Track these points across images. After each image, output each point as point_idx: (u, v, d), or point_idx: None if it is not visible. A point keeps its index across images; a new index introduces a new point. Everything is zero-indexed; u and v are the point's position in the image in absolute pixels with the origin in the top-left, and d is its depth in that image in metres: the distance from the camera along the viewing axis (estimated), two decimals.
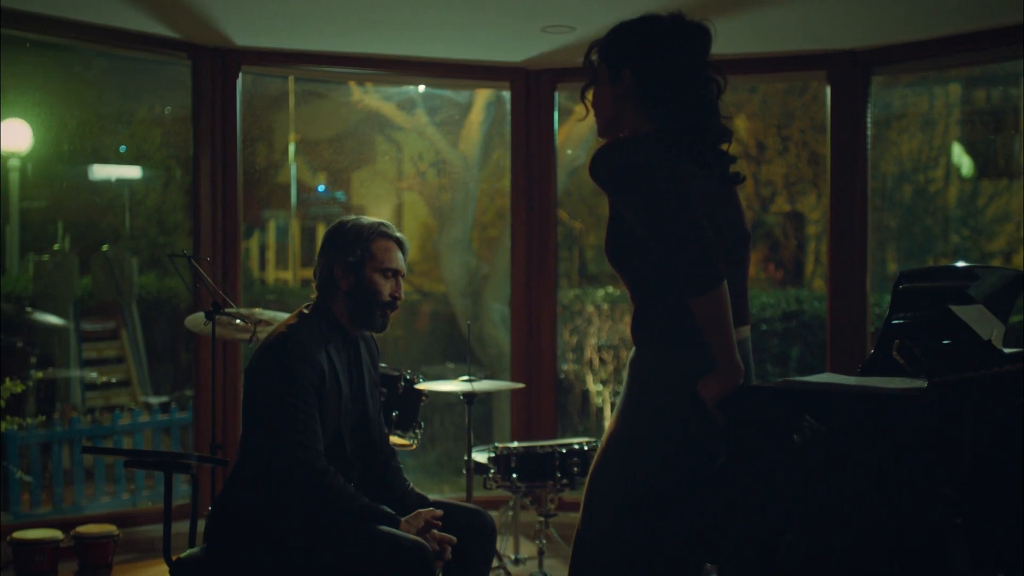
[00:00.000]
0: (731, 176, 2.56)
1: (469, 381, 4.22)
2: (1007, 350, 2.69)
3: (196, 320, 4.13)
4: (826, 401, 2.28)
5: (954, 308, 2.64)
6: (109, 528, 4.61)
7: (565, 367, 7.47)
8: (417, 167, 8.39)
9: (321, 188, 8.64)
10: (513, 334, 5.67)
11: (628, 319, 7.51)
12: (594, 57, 2.57)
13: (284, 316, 3.78)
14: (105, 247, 7.56)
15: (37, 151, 6.99)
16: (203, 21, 4.75)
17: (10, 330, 6.59)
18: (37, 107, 6.75)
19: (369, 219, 3.12)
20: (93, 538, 4.54)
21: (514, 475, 4.31)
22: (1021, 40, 4.65)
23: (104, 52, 5.82)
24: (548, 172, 5.61)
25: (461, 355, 7.41)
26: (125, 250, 7.64)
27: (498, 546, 4.17)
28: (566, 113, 6.65)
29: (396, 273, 3.10)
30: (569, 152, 7.47)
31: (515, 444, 4.37)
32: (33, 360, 6.70)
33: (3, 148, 6.80)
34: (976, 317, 2.67)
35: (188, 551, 2.99)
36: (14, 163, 7.10)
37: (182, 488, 5.65)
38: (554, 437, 5.50)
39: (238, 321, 4.07)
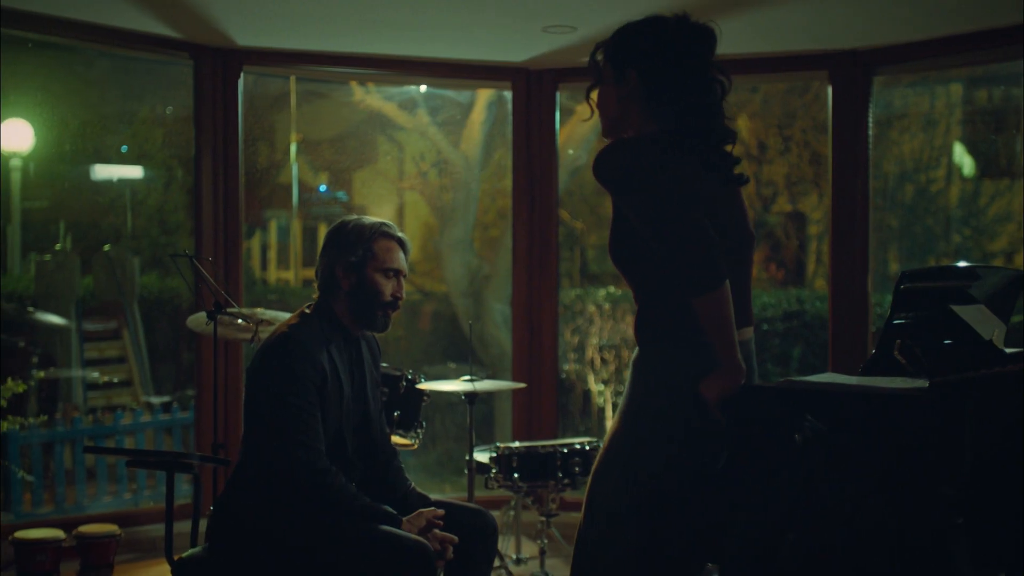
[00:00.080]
0: (735, 177, 2.56)
1: (471, 381, 4.22)
2: (1008, 350, 2.70)
3: (198, 320, 4.14)
4: (828, 401, 2.28)
5: (956, 308, 2.64)
6: (111, 528, 4.61)
7: (566, 367, 7.47)
8: (419, 167, 8.39)
9: (323, 188, 8.64)
10: (514, 334, 5.67)
11: (629, 319, 7.50)
12: (599, 57, 2.58)
13: (286, 316, 3.79)
14: (107, 247, 7.56)
15: (39, 151, 6.99)
16: (205, 21, 4.75)
17: (12, 330, 6.59)
18: (39, 107, 6.76)
19: (371, 219, 3.13)
20: (95, 538, 4.54)
21: (515, 475, 4.31)
22: (1022, 40, 4.65)
23: (106, 52, 5.83)
24: (550, 172, 5.61)
25: (462, 355, 7.42)
26: (127, 250, 7.65)
27: (500, 546, 4.17)
28: (568, 113, 6.65)
29: (398, 273, 3.10)
30: (571, 152, 7.47)
31: (516, 444, 4.38)
32: (35, 360, 6.70)
33: (5, 148, 6.81)
34: (978, 317, 2.67)
35: (190, 551, 3.00)
36: (16, 163, 7.11)
37: (184, 488, 5.64)
38: (555, 437, 5.51)
39: (240, 321, 4.07)
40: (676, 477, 2.44)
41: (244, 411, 3.03)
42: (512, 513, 4.91)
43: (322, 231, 8.65)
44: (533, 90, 5.59)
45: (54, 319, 6.82)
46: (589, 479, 2.56)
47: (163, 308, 7.68)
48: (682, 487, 2.45)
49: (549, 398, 5.62)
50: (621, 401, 2.54)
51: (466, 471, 4.31)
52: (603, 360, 7.53)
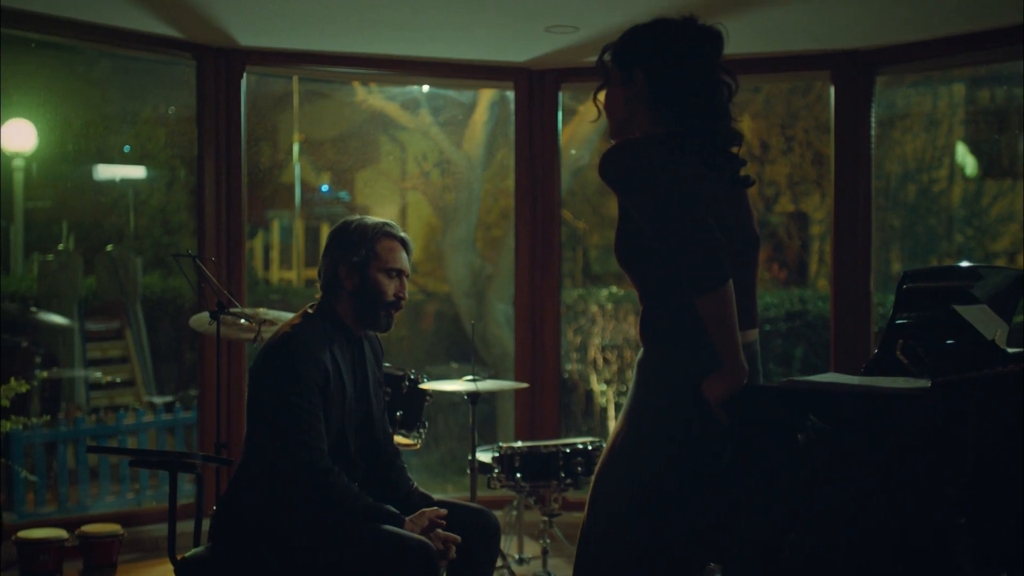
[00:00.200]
0: (741, 179, 2.57)
1: (473, 381, 4.23)
2: (1011, 350, 2.70)
3: (200, 320, 4.14)
4: (830, 401, 2.28)
5: (958, 308, 2.65)
6: (114, 527, 4.61)
7: (569, 367, 7.47)
8: (421, 167, 8.39)
9: (325, 188, 8.64)
10: (517, 334, 5.67)
11: (632, 319, 7.51)
12: (607, 59, 2.58)
13: (288, 316, 3.79)
14: (109, 247, 7.57)
15: (41, 151, 7.00)
16: (207, 21, 4.76)
17: (15, 330, 6.60)
18: (41, 107, 6.76)
19: (373, 219, 3.13)
20: (98, 537, 4.55)
21: (518, 475, 4.31)
22: (1023, 40, 4.65)
23: (108, 52, 5.83)
24: (552, 172, 5.61)
25: (465, 355, 7.42)
26: (129, 250, 7.65)
27: (502, 546, 4.18)
28: (570, 113, 6.66)
29: (400, 273, 3.11)
30: (573, 152, 7.47)
31: (519, 444, 4.38)
32: (38, 360, 6.71)
33: (8, 148, 6.82)
34: (980, 317, 2.68)
35: (193, 550, 3.00)
36: (18, 163, 7.12)
37: (187, 488, 5.65)
38: (558, 437, 5.51)
39: (242, 321, 4.07)
40: (678, 477, 2.44)
41: (247, 411, 3.04)
42: (514, 513, 4.91)
43: (325, 231, 8.65)
44: (535, 90, 5.59)
45: (57, 319, 6.83)
46: (592, 479, 2.56)
47: (166, 308, 7.69)
48: (684, 487, 2.45)
49: (551, 398, 5.62)
50: (625, 401, 2.55)
51: (468, 471, 4.31)
52: (605, 360, 7.53)
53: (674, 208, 2.34)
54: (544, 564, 4.45)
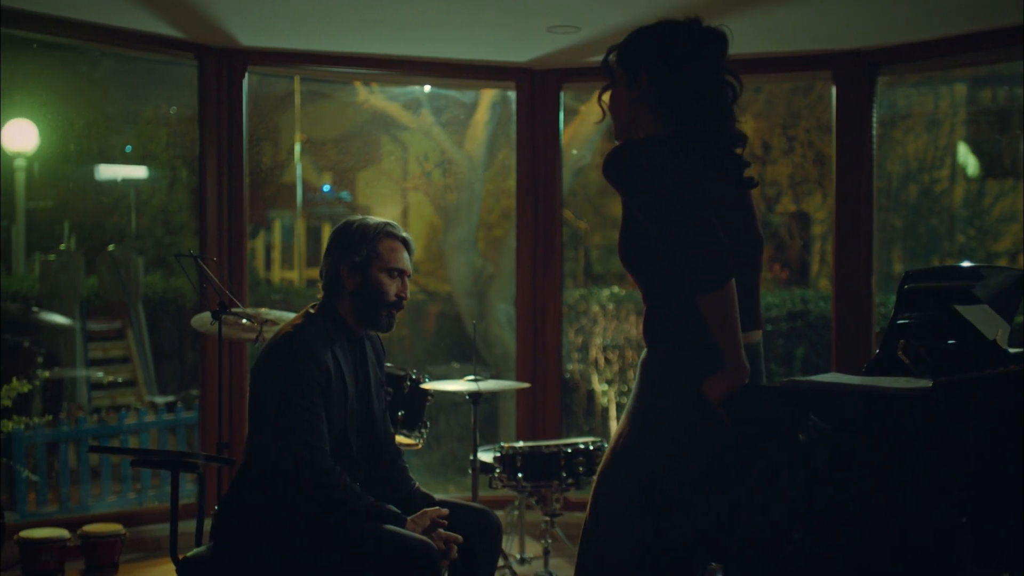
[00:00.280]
0: (745, 180, 2.57)
1: (474, 381, 4.23)
2: (1012, 350, 2.70)
3: (202, 320, 4.14)
4: (831, 401, 2.28)
5: (959, 308, 2.65)
6: (115, 527, 4.62)
7: (570, 367, 7.47)
8: (422, 167, 8.39)
9: (327, 188, 8.65)
10: (518, 334, 5.67)
11: (633, 319, 7.51)
12: (612, 60, 2.59)
13: (290, 316, 3.79)
14: (111, 247, 7.57)
15: (43, 151, 7.00)
16: (209, 21, 4.76)
17: (16, 330, 6.60)
18: (43, 107, 6.77)
19: (375, 219, 3.13)
20: (100, 537, 4.55)
21: (519, 475, 4.32)
22: (1023, 41, 4.66)
23: (110, 52, 5.84)
24: (553, 172, 5.61)
25: (466, 355, 7.43)
26: (131, 250, 7.66)
27: (504, 545, 4.18)
28: (571, 113, 6.66)
29: (402, 273, 3.11)
30: (574, 152, 7.47)
31: (520, 444, 4.38)
32: (39, 360, 6.71)
33: (10, 148, 6.82)
34: (981, 317, 2.68)
35: (195, 550, 3.00)
36: (20, 163, 7.12)
37: (188, 487, 5.67)
38: (559, 437, 5.51)
39: (244, 321, 4.08)
40: (681, 478, 2.45)
41: (248, 411, 3.04)
42: (516, 513, 4.91)
43: (326, 231, 8.67)
44: (537, 90, 5.59)
45: (58, 319, 6.84)
46: (595, 479, 2.57)
47: (167, 308, 7.69)
48: (687, 488, 2.45)
49: (553, 398, 5.62)
50: (628, 402, 2.55)
51: (470, 471, 4.31)
52: (607, 360, 7.53)
53: (678, 208, 2.34)
54: (546, 564, 4.46)
